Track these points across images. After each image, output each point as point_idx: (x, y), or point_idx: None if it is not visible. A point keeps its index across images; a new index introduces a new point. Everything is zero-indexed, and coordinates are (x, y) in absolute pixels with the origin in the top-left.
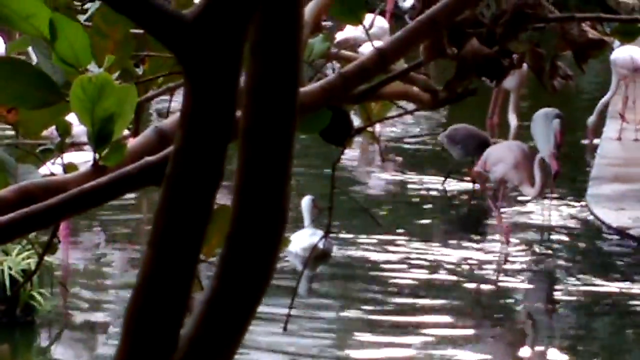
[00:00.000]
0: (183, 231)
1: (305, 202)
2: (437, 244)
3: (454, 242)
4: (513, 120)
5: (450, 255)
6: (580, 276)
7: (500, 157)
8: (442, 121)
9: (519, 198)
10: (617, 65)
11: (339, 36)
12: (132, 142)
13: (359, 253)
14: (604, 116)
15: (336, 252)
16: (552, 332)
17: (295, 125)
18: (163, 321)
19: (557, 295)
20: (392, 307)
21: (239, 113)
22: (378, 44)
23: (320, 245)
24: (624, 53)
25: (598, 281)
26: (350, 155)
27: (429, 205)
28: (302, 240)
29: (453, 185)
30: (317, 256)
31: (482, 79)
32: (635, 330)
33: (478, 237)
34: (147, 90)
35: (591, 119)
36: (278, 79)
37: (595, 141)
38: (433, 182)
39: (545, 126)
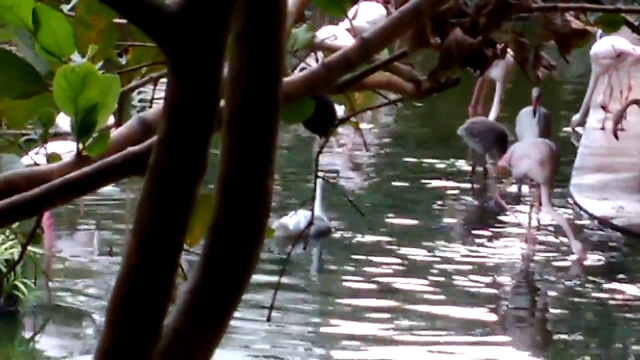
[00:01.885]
0: (166, 221)
1: (318, 184)
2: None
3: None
4: (493, 113)
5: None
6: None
7: (526, 152)
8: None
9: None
10: (599, 57)
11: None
12: (115, 132)
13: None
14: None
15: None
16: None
17: (279, 115)
18: (146, 311)
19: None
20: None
21: (222, 103)
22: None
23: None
24: (604, 45)
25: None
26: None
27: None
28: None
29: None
30: (319, 232)
31: (465, 68)
32: None
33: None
34: (131, 80)
35: (576, 117)
36: (261, 69)
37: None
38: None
39: (530, 124)
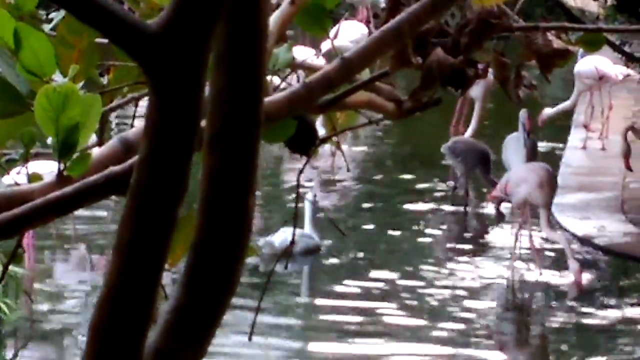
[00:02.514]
0: (148, 241)
1: (307, 203)
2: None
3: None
4: (470, 130)
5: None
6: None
7: (523, 178)
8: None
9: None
10: (582, 76)
11: (324, 46)
12: (97, 152)
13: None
14: (568, 125)
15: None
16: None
17: (260, 135)
18: (128, 331)
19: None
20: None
21: (203, 123)
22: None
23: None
24: (587, 64)
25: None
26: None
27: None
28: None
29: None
30: (308, 250)
31: (447, 88)
32: None
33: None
34: (112, 100)
35: (547, 110)
36: (242, 89)
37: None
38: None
39: (517, 149)
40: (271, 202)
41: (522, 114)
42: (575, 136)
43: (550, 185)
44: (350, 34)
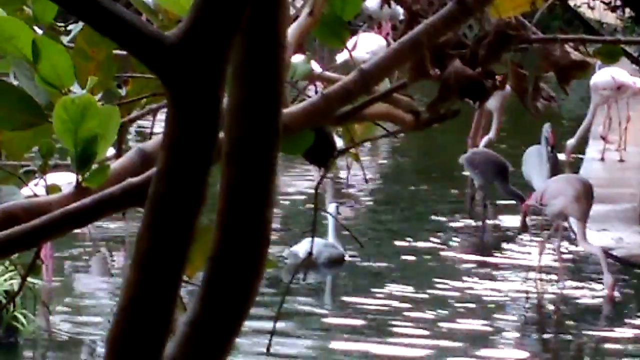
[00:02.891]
0: (166, 252)
1: (331, 209)
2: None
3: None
4: (486, 139)
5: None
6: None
7: (560, 190)
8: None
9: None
10: (599, 87)
11: (340, 57)
12: (115, 164)
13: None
14: (586, 137)
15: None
16: None
17: (279, 147)
18: (146, 342)
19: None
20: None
21: (222, 135)
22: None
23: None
24: (604, 76)
25: None
26: None
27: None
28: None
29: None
30: (332, 260)
31: (464, 100)
32: None
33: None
34: (130, 112)
35: (571, 142)
36: (261, 101)
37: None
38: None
39: (538, 162)
40: (292, 212)
41: (546, 127)
42: (593, 148)
43: (587, 199)
44: (368, 45)
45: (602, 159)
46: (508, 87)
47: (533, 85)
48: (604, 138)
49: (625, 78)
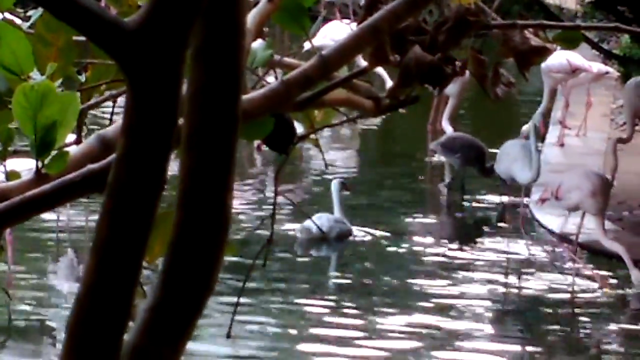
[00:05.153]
0: (126, 238)
1: (334, 186)
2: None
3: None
4: (448, 127)
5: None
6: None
7: (576, 184)
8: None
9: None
10: (552, 70)
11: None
12: (74, 150)
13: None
14: (547, 122)
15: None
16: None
17: (238, 132)
18: (106, 329)
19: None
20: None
21: (181, 120)
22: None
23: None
24: (557, 58)
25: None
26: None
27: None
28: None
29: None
30: (339, 235)
31: (424, 85)
32: None
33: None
34: (90, 98)
35: (525, 127)
36: (220, 86)
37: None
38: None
39: (522, 155)
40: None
41: (537, 117)
42: (553, 133)
43: (604, 194)
44: (335, 33)
45: (562, 145)
46: (467, 73)
47: (493, 71)
48: (562, 122)
49: (580, 61)
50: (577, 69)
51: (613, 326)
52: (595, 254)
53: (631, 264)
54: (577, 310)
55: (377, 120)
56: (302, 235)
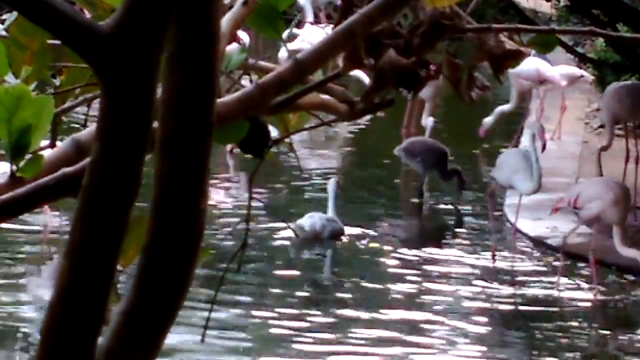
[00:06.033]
0: (99, 242)
1: (331, 185)
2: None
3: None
4: (429, 121)
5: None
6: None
7: (597, 194)
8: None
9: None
10: (521, 76)
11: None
12: (49, 154)
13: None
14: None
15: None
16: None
17: (212, 137)
18: (80, 332)
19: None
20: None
21: (155, 124)
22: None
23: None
24: (528, 65)
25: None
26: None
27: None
28: (314, 222)
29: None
30: (334, 234)
31: (399, 89)
32: None
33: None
34: (65, 102)
35: (487, 120)
36: (194, 90)
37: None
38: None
39: (523, 165)
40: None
41: (534, 125)
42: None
43: (625, 203)
44: (311, 38)
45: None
46: (441, 76)
47: (467, 75)
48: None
49: (550, 73)
50: (545, 80)
51: (591, 330)
52: (569, 257)
53: None
54: (556, 314)
55: (353, 123)
56: (297, 232)
